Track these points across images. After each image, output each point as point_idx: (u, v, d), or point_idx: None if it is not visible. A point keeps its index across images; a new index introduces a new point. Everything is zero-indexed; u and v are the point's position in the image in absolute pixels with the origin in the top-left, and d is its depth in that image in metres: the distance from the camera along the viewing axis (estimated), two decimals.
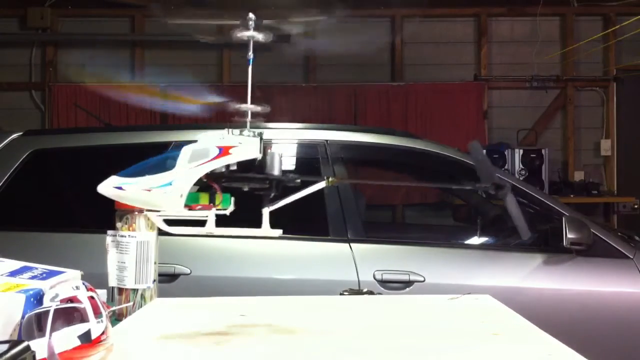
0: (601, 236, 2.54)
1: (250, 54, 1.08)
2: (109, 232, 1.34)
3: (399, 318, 1.24)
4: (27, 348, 0.76)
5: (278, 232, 1.22)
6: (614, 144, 6.09)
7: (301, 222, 2.79)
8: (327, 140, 2.72)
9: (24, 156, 2.69)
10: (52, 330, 0.85)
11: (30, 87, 6.14)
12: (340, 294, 1.56)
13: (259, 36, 1.19)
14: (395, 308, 1.34)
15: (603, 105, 6.17)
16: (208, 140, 1.08)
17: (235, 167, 1.12)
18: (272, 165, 1.16)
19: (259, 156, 1.13)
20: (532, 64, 6.00)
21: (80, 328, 0.89)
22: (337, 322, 1.20)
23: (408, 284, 2.44)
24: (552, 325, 1.25)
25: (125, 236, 1.32)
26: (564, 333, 1.14)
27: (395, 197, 5.85)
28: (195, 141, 1.13)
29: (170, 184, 1.05)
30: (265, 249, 2.56)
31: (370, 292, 1.60)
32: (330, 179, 1.11)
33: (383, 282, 2.43)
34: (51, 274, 1.07)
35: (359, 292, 1.63)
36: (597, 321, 2.46)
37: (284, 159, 1.17)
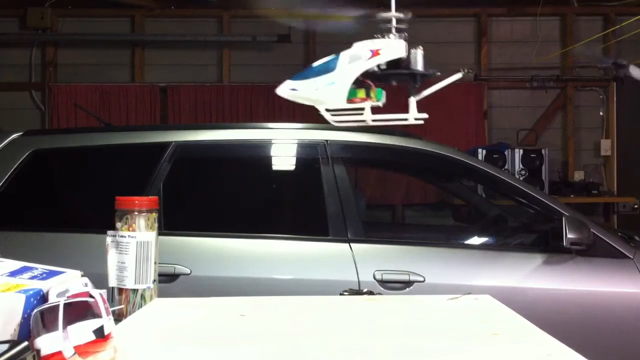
0: (601, 236, 2.54)
1: None
2: (109, 232, 1.34)
3: (399, 318, 1.24)
4: (27, 348, 0.76)
5: (424, 115, 1.40)
6: (614, 144, 6.09)
7: (301, 222, 2.80)
8: (327, 140, 2.72)
9: (24, 156, 2.69)
10: (59, 327, 0.85)
11: (30, 87, 6.14)
12: (340, 294, 1.56)
13: None
14: (395, 308, 1.34)
15: (603, 105, 6.17)
16: (361, 45, 1.28)
17: (384, 66, 1.30)
18: (415, 61, 1.34)
19: (404, 55, 1.31)
20: (532, 64, 6.00)
21: (94, 323, 0.89)
22: (337, 322, 1.20)
23: (408, 284, 2.44)
24: (552, 325, 1.25)
25: (125, 236, 1.32)
26: (564, 333, 1.14)
27: (395, 197, 5.84)
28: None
29: (333, 83, 1.25)
30: (265, 249, 2.56)
31: (370, 292, 1.60)
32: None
33: (383, 282, 2.43)
34: (51, 274, 1.07)
35: (359, 292, 1.63)
36: (597, 321, 2.46)
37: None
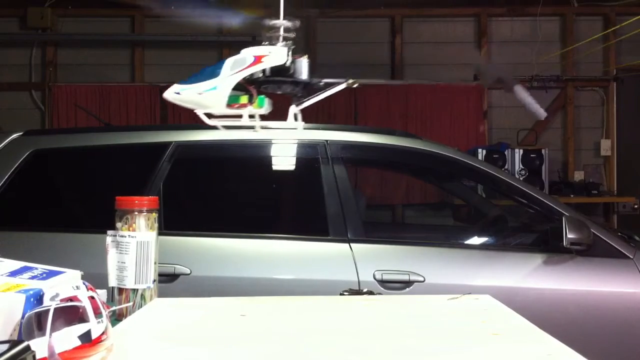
0: (601, 236, 2.54)
1: None
2: (109, 232, 1.34)
3: (399, 318, 1.24)
4: (27, 348, 0.76)
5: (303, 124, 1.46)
6: (614, 144, 6.09)
7: (301, 222, 2.80)
8: (327, 140, 2.72)
9: (24, 156, 2.69)
10: (53, 329, 0.85)
11: (30, 87, 6.14)
12: (340, 294, 1.56)
13: None
14: (395, 308, 1.34)
15: (603, 105, 6.17)
16: (246, 51, 1.31)
17: (269, 73, 1.33)
18: (300, 70, 1.37)
19: (286, 62, 1.33)
20: (532, 64, 6.00)
21: (80, 328, 0.89)
22: (337, 322, 1.20)
23: (408, 284, 2.44)
24: (552, 325, 1.25)
25: (125, 236, 1.32)
26: (564, 333, 1.14)
27: (395, 197, 5.85)
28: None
29: (215, 88, 1.28)
30: (265, 249, 2.56)
31: (370, 292, 1.60)
32: None
33: (383, 282, 2.43)
34: (51, 274, 1.07)
35: (359, 292, 1.63)
36: (597, 321, 2.46)
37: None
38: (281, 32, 1.34)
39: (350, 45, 6.20)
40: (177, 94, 1.32)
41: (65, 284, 0.98)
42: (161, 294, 1.41)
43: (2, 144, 2.72)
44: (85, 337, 0.88)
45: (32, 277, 1.03)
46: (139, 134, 2.82)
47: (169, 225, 2.31)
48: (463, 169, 2.86)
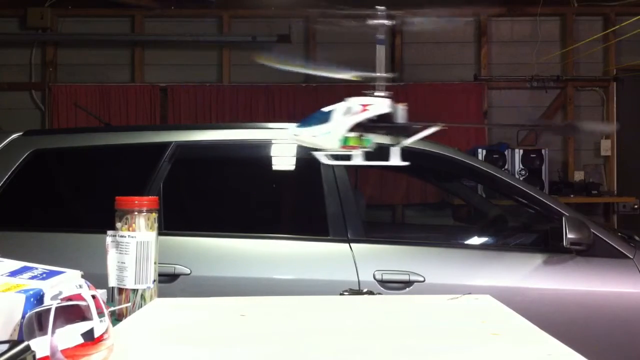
0: (601, 236, 2.54)
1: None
2: (109, 232, 1.34)
3: (399, 318, 1.24)
4: (27, 348, 0.76)
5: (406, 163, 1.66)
6: (614, 144, 6.09)
7: (301, 222, 2.80)
8: None
9: (24, 156, 2.69)
10: (55, 328, 0.85)
11: (30, 87, 6.15)
12: (340, 294, 1.56)
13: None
14: (395, 308, 1.34)
15: (603, 105, 6.17)
16: (353, 101, 1.52)
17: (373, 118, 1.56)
18: (398, 115, 1.61)
19: (388, 111, 1.56)
20: (532, 64, 6.00)
21: (83, 326, 0.89)
22: (337, 322, 1.20)
23: (408, 284, 2.44)
24: (552, 325, 1.25)
25: (125, 236, 1.32)
26: (564, 333, 1.14)
27: (395, 197, 5.85)
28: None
29: (329, 132, 1.51)
30: (265, 249, 2.56)
31: (370, 292, 1.60)
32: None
33: (383, 282, 2.43)
34: (51, 274, 1.06)
35: (359, 292, 1.63)
36: (597, 321, 2.46)
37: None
38: (381, 82, 1.57)
39: (350, 45, 6.20)
40: (296, 135, 1.56)
41: (68, 283, 0.98)
42: (161, 294, 1.41)
43: (2, 144, 2.72)
44: (88, 335, 0.88)
45: (32, 277, 1.03)
46: (139, 134, 2.82)
47: (169, 225, 2.31)
48: (463, 169, 2.86)
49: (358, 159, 1.59)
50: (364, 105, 1.55)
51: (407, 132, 1.67)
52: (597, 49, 5.97)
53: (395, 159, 1.66)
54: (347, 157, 1.61)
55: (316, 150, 1.60)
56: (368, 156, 1.62)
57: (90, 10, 6.15)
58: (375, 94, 1.57)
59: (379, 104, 1.56)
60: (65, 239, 2.56)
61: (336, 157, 1.61)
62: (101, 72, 6.14)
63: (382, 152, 1.63)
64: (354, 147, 1.57)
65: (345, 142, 1.55)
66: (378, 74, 1.59)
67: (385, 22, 1.66)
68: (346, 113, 1.53)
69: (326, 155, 1.60)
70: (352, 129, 1.56)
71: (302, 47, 6.20)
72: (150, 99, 6.03)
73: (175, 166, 2.67)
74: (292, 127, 1.56)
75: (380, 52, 1.64)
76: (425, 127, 1.68)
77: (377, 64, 1.61)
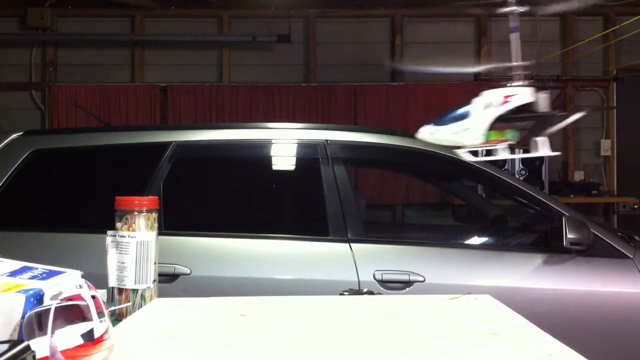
0: (601, 236, 2.54)
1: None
2: (109, 232, 1.34)
3: (399, 318, 1.24)
4: (27, 348, 0.76)
5: (557, 153, 1.61)
6: (614, 144, 6.09)
7: (301, 222, 2.80)
8: (327, 140, 2.72)
9: (24, 156, 2.69)
10: (54, 328, 0.85)
11: (30, 87, 6.15)
12: (340, 294, 1.56)
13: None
14: (395, 308, 1.33)
15: (603, 105, 6.18)
16: (493, 93, 1.46)
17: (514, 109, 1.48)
18: (541, 104, 1.51)
19: (532, 100, 1.48)
20: (532, 64, 5.99)
21: (83, 326, 0.89)
22: (337, 322, 1.20)
23: (408, 284, 2.44)
24: (552, 325, 1.25)
25: (125, 236, 1.32)
26: (564, 333, 1.14)
27: (395, 197, 5.85)
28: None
29: (469, 128, 1.44)
30: (265, 249, 2.56)
31: (370, 292, 1.60)
32: None
33: (383, 282, 2.43)
34: (51, 274, 1.06)
35: (359, 292, 1.63)
36: (597, 321, 2.46)
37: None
38: (522, 71, 1.53)
39: (350, 45, 6.20)
40: (433, 134, 1.50)
41: (67, 283, 0.98)
42: (161, 294, 1.41)
43: (2, 144, 2.72)
44: (88, 336, 0.88)
45: (32, 277, 1.03)
46: (139, 134, 2.82)
47: (169, 225, 2.31)
48: (463, 169, 2.86)
49: (504, 153, 1.52)
50: (506, 97, 1.48)
51: (551, 121, 1.59)
52: (597, 49, 5.97)
53: (544, 150, 1.55)
54: (489, 153, 1.55)
55: (456, 148, 1.55)
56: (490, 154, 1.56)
57: (90, 10, 6.15)
58: (514, 84, 1.51)
59: (522, 94, 1.50)
60: (65, 239, 2.56)
61: (476, 153, 1.55)
62: (101, 72, 6.14)
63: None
64: (497, 141, 1.50)
65: (488, 136, 1.49)
66: (516, 63, 1.56)
67: (518, 8, 1.63)
68: (486, 106, 1.47)
69: (468, 152, 1.54)
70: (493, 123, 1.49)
71: (302, 47, 6.20)
72: (150, 99, 6.03)
73: (175, 166, 2.67)
74: (426, 127, 1.52)
75: (515, 40, 1.61)
76: (568, 115, 1.59)
77: (513, 53, 1.59)
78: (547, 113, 1.53)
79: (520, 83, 1.52)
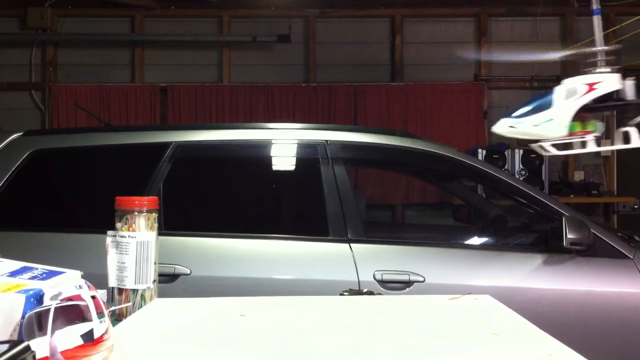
0: (601, 236, 2.54)
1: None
2: (109, 232, 1.34)
3: (399, 318, 1.24)
4: (27, 348, 0.76)
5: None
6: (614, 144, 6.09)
7: (301, 222, 2.80)
8: (327, 140, 2.72)
9: (24, 156, 2.69)
10: (54, 329, 0.85)
11: (30, 87, 6.15)
12: (340, 294, 1.56)
13: None
14: (395, 308, 1.33)
15: None
16: (576, 80, 1.34)
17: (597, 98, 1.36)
18: (628, 92, 1.37)
19: (620, 87, 1.35)
20: (532, 64, 6.00)
21: (83, 327, 0.89)
22: (337, 322, 1.20)
23: (408, 284, 2.44)
24: (552, 325, 1.25)
25: (125, 236, 1.32)
26: (564, 333, 1.14)
27: (395, 197, 5.85)
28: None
29: (552, 119, 1.33)
30: (265, 249, 2.56)
31: (370, 292, 1.60)
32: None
33: (383, 282, 2.43)
34: (51, 274, 1.07)
35: (359, 292, 1.63)
36: (597, 321, 2.46)
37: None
38: (604, 57, 1.39)
39: (350, 45, 6.20)
40: (512, 127, 1.39)
41: (67, 284, 0.98)
42: (161, 294, 1.41)
43: (2, 144, 2.72)
44: (88, 336, 0.88)
45: (32, 277, 1.03)
46: (139, 134, 2.82)
47: (169, 225, 2.31)
48: (463, 169, 2.86)
49: (590, 146, 1.40)
50: (590, 85, 1.36)
51: (638, 109, 1.46)
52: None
53: (636, 140, 1.42)
54: (565, 146, 1.42)
55: (536, 141, 1.43)
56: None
57: (90, 10, 6.15)
58: (599, 70, 1.39)
59: (608, 81, 1.37)
60: (65, 239, 2.56)
61: (558, 147, 1.41)
62: (101, 72, 6.15)
63: None
64: (581, 133, 1.39)
65: (571, 128, 1.38)
66: (599, 48, 1.42)
67: None
68: (569, 96, 1.36)
69: (551, 146, 1.43)
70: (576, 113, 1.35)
71: (302, 47, 6.20)
72: (150, 99, 6.04)
73: (175, 166, 2.67)
74: (503, 120, 1.41)
75: (597, 23, 1.48)
76: None
77: (597, 37, 1.44)
78: (636, 101, 1.39)
79: (605, 69, 1.39)
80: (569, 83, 1.38)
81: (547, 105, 1.37)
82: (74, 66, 6.16)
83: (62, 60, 6.17)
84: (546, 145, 1.42)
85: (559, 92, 1.38)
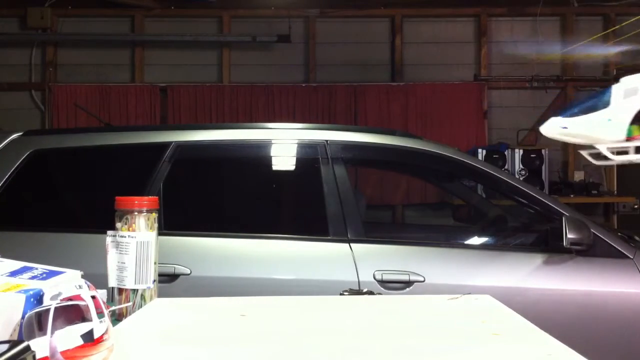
0: (601, 236, 2.54)
1: None
2: (109, 232, 1.34)
3: (399, 318, 1.24)
4: (27, 348, 0.76)
5: None
6: None
7: (301, 222, 2.80)
8: (327, 140, 2.72)
9: (24, 156, 2.69)
10: (54, 329, 0.85)
11: (30, 87, 6.15)
12: (340, 294, 1.56)
13: None
14: (395, 308, 1.33)
15: None
16: (633, 79, 1.22)
17: None
18: None
19: None
20: (532, 64, 6.00)
21: (83, 327, 0.89)
22: (337, 322, 1.20)
23: (408, 284, 2.44)
24: (552, 325, 1.25)
25: (125, 236, 1.32)
26: (564, 333, 1.14)
27: (395, 197, 5.85)
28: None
29: (610, 120, 1.19)
30: (265, 249, 2.56)
31: (370, 292, 1.60)
32: None
33: (383, 282, 2.43)
34: (51, 274, 1.06)
35: (359, 292, 1.63)
36: (597, 321, 2.46)
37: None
38: None
39: (350, 45, 6.20)
40: (565, 127, 1.26)
41: (67, 284, 0.98)
42: (161, 294, 1.41)
43: (2, 144, 2.72)
44: (88, 337, 0.88)
45: (32, 277, 1.03)
46: (139, 134, 2.82)
47: (169, 225, 2.31)
48: (463, 169, 2.86)
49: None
50: None
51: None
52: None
53: None
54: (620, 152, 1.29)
55: (588, 147, 1.30)
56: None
57: (90, 10, 6.16)
58: None
59: None
60: (65, 239, 2.56)
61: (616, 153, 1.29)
62: (101, 72, 6.15)
63: None
64: None
65: (629, 132, 1.24)
66: None
67: None
68: (628, 95, 1.23)
69: (607, 151, 1.29)
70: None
71: (302, 47, 6.20)
72: (150, 99, 6.04)
73: (175, 166, 2.67)
74: (554, 119, 1.27)
75: None
76: None
77: None
78: None
79: None
80: (628, 81, 1.26)
81: (603, 105, 1.25)
82: (74, 66, 6.16)
83: (62, 60, 6.17)
84: (603, 150, 1.28)
85: (617, 90, 1.26)
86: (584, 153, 1.33)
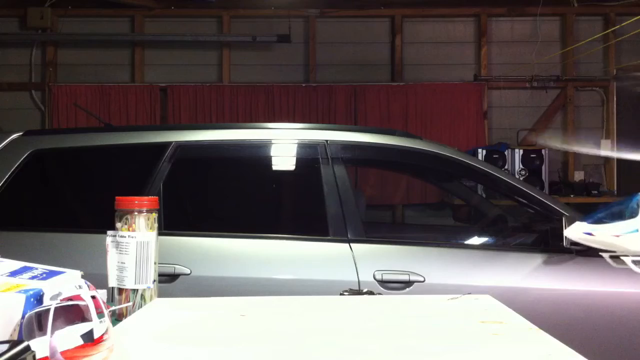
0: None
1: None
2: (109, 232, 1.34)
3: (399, 318, 1.24)
4: (27, 348, 0.76)
5: None
6: (614, 144, 6.09)
7: (301, 222, 2.80)
8: (327, 140, 2.72)
9: (24, 156, 2.69)
10: (54, 329, 0.85)
11: (30, 87, 6.15)
12: (340, 294, 1.56)
13: None
14: (395, 308, 1.33)
15: (603, 105, 6.17)
16: None
17: None
18: None
19: None
20: (532, 64, 6.00)
21: (83, 327, 0.89)
22: (337, 322, 1.20)
23: (408, 284, 2.44)
24: (552, 325, 1.25)
25: (125, 236, 1.32)
26: (564, 333, 1.14)
27: (395, 197, 5.85)
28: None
29: (637, 230, 1.16)
30: (265, 249, 2.56)
31: (370, 292, 1.60)
32: None
33: (383, 282, 2.43)
34: (51, 274, 1.06)
35: (359, 292, 1.63)
36: (597, 321, 2.46)
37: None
38: None
39: (350, 45, 6.20)
40: (589, 234, 1.21)
41: (67, 284, 0.98)
42: (161, 294, 1.41)
43: (2, 144, 2.72)
44: (88, 337, 0.88)
45: (32, 277, 1.03)
46: (139, 134, 2.81)
47: (169, 225, 2.31)
48: (463, 169, 2.86)
49: None
50: None
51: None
52: (597, 49, 5.97)
53: None
54: None
55: (612, 251, 1.22)
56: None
57: (90, 10, 6.15)
58: None
59: None
60: (65, 239, 2.56)
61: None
62: (101, 72, 6.15)
63: None
64: None
65: None
66: None
67: None
68: None
69: (632, 264, 1.22)
70: None
71: (302, 47, 6.20)
72: (150, 99, 6.04)
73: (175, 166, 2.67)
74: (579, 224, 1.21)
75: None
76: None
77: None
78: None
79: None
80: None
81: (630, 214, 1.22)
82: (74, 66, 6.16)
83: (62, 60, 6.17)
84: (628, 261, 1.22)
85: None
86: (607, 257, 1.27)
